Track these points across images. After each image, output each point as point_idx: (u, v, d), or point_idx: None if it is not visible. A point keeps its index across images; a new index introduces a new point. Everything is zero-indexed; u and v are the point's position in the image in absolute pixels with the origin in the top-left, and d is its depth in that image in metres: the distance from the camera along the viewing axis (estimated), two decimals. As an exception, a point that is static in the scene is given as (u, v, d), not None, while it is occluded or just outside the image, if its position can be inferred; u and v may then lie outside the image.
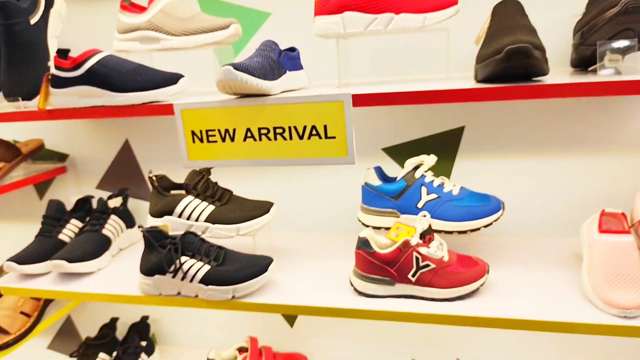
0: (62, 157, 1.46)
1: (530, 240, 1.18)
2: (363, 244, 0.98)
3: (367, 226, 1.10)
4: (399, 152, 1.24)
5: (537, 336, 1.29)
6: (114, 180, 1.44)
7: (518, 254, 1.12)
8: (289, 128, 0.87)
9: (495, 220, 1.05)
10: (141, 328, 1.49)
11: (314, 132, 0.86)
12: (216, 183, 1.13)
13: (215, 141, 0.91)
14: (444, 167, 1.21)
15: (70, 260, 1.13)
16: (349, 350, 1.45)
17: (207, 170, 1.12)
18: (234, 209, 1.09)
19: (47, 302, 1.44)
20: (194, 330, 1.58)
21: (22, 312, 1.35)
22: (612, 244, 0.92)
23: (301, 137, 0.87)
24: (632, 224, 0.98)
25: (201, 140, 0.92)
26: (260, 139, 0.89)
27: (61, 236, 1.24)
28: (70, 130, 1.44)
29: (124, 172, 1.42)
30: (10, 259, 1.16)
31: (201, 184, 1.09)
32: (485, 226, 1.04)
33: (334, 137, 0.86)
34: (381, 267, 0.97)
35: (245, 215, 1.07)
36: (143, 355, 1.43)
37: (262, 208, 1.10)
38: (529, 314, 0.87)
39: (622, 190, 1.13)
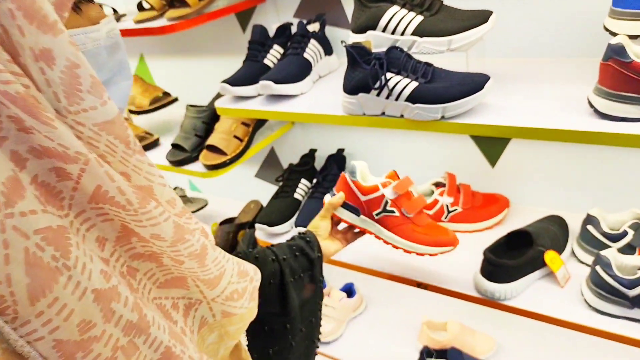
0: (260, -16, 1.45)
1: None
2: (615, 52, 0.78)
3: (617, 35, 0.87)
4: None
5: None
6: (311, 6, 1.39)
7: None
8: None
9: None
10: (338, 159, 1.53)
11: None
12: (425, -9, 0.99)
13: None
14: None
15: (277, 81, 1.15)
16: (558, 196, 1.30)
17: (415, -24, 0.98)
18: (446, 18, 0.95)
19: (255, 129, 1.55)
20: (386, 164, 1.57)
21: (235, 136, 1.48)
22: None
23: None
24: None
25: None
26: None
27: (266, 61, 1.27)
28: (267, -46, 1.40)
29: (320, -3, 1.36)
30: (224, 81, 1.23)
31: (408, -9, 0.96)
32: None
33: None
34: (639, 81, 0.77)
35: (459, 25, 0.93)
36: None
37: (479, 17, 0.94)
38: None
39: None
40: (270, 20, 1.46)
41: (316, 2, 1.38)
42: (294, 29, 1.33)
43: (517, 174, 1.34)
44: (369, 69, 0.96)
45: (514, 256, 1.15)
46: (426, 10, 0.96)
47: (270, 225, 1.46)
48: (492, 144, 1.33)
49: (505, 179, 1.36)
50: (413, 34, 0.97)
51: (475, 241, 1.24)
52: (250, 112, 1.21)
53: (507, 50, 1.16)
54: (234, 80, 1.24)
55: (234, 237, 1.78)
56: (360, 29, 1.03)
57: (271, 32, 1.35)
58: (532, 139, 0.85)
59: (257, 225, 1.49)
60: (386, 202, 0.97)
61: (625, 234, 1.06)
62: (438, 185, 1.34)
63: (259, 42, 1.29)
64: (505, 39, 1.14)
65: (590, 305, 1.02)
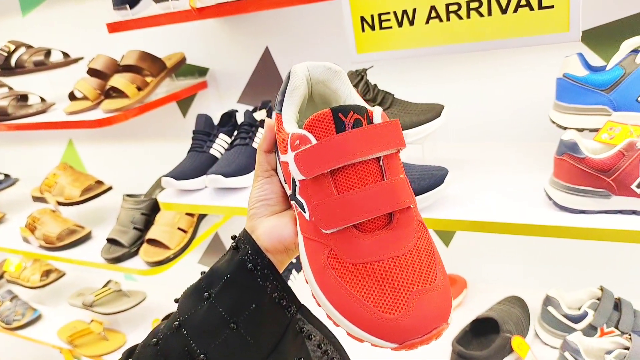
0: (202, 71, 1.41)
1: None
2: (568, 148, 0.80)
3: (565, 128, 0.90)
4: (600, 38, 0.99)
5: None
6: (255, 92, 1.37)
7: None
8: (489, 0, 0.69)
9: None
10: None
11: (522, 2, 0.67)
12: (376, 85, 0.99)
13: (390, 27, 0.76)
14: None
15: (226, 174, 1.08)
16: (514, 273, 1.30)
17: (364, 70, 0.98)
18: (399, 113, 0.95)
19: (200, 218, 1.46)
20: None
21: (179, 228, 1.38)
22: None
23: (504, 11, 0.68)
24: None
25: (372, 27, 0.77)
26: (449, 19, 0.72)
27: (212, 151, 1.21)
28: (210, 42, 1.37)
29: (265, 83, 1.34)
30: (167, 175, 1.15)
31: (360, 86, 0.96)
32: None
33: (551, 7, 0.66)
34: (594, 176, 0.78)
35: (413, 120, 0.93)
36: (294, 271, 1.42)
37: (431, 111, 0.94)
38: None
39: None
40: (213, 106, 1.42)
41: (260, 88, 1.36)
42: (239, 116, 1.29)
43: (471, 252, 1.33)
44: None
45: (481, 343, 1.12)
46: (379, 104, 0.96)
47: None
48: (445, 225, 1.33)
49: (460, 258, 1.35)
50: (368, 127, 0.96)
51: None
52: (199, 207, 1.13)
53: (458, 135, 1.18)
54: (178, 174, 1.16)
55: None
56: (313, 123, 1.00)
57: (214, 118, 1.30)
58: (495, 233, 0.84)
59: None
60: None
61: (585, 314, 1.06)
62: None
63: (204, 132, 1.23)
64: (456, 125, 1.16)
65: (561, 393, 0.99)
